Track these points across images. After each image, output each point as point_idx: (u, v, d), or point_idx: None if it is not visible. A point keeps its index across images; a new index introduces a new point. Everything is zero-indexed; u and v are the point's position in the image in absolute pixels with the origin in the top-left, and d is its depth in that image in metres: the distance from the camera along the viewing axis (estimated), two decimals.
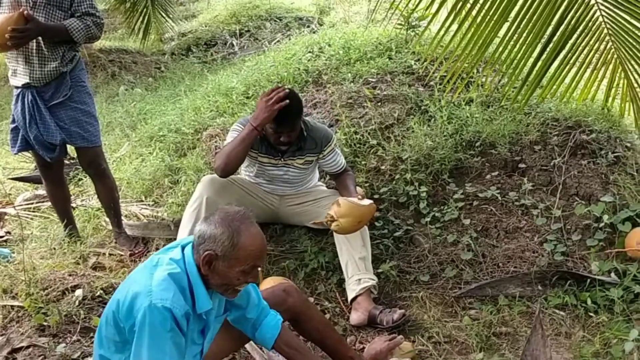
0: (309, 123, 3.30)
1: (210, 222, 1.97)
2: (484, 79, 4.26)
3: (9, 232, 3.63)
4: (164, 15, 8.06)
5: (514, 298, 3.00)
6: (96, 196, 3.71)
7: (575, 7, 3.06)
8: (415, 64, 4.57)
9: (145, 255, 3.44)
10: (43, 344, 2.60)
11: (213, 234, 1.94)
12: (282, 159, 3.24)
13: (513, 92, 3.77)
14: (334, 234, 3.12)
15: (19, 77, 3.24)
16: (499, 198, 3.48)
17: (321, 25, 8.14)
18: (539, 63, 3.23)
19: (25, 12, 3.02)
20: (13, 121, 3.31)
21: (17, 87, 3.27)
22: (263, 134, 3.12)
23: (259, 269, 2.06)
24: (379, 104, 4.25)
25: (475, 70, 4.09)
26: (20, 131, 3.28)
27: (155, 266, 1.96)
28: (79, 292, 2.90)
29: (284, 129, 3.08)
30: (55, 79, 3.24)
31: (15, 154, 3.37)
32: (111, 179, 3.59)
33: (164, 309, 1.84)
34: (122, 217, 3.70)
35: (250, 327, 2.24)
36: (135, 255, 3.42)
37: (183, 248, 2.03)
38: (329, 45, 5.12)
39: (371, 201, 3.04)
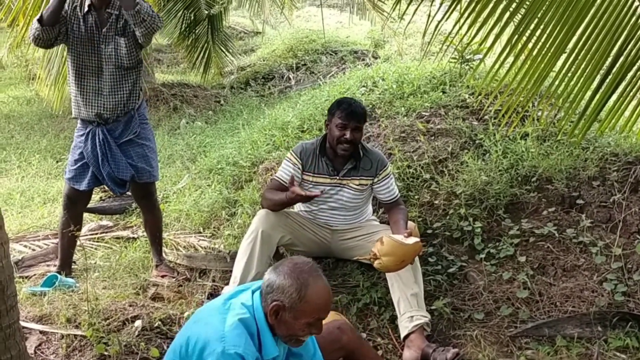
0: (367, 146, 3.44)
1: (280, 272, 2.01)
2: (539, 113, 4.21)
3: (74, 262, 3.79)
4: (224, 50, 8.34)
5: (572, 339, 2.92)
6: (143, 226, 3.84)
7: (635, 38, 3.01)
8: (469, 97, 4.57)
9: (190, 281, 3.56)
10: None
11: (282, 284, 1.98)
12: (338, 177, 3.32)
13: (570, 126, 3.71)
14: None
15: (89, 109, 3.37)
16: (556, 235, 3.41)
17: (376, 58, 8.23)
18: (597, 96, 3.17)
19: None
20: (80, 158, 3.47)
21: (85, 125, 3.44)
22: (319, 151, 3.34)
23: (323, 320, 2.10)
24: (433, 137, 4.25)
25: (530, 104, 4.05)
26: (90, 168, 3.44)
27: (228, 310, 2.02)
28: (138, 323, 3.00)
29: (350, 122, 3.25)
30: (124, 116, 3.41)
31: (84, 190, 3.49)
32: (159, 210, 3.76)
33: (236, 356, 1.89)
34: (181, 248, 3.82)
35: None
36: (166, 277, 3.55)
37: (253, 293, 2.08)
38: (383, 80, 5.18)
39: (417, 239, 3.04)
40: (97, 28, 3.34)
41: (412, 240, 2.99)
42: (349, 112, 3.27)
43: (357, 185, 3.34)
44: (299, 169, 3.35)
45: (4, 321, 2.39)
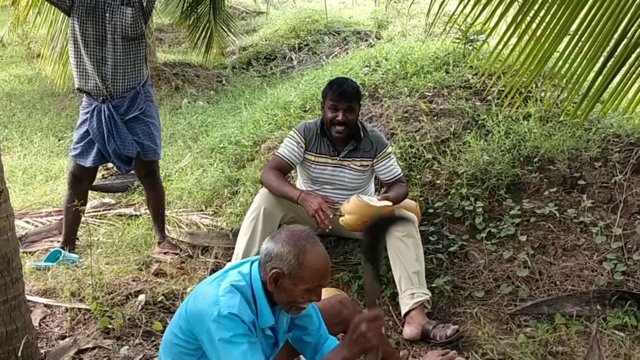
0: (368, 127, 3.43)
1: (277, 240, 2.02)
2: (542, 94, 4.21)
3: (77, 238, 3.81)
4: (226, 29, 8.28)
5: (571, 317, 2.95)
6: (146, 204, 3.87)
7: (639, 20, 3.00)
8: (472, 78, 4.56)
9: (192, 258, 3.60)
10: (108, 345, 2.73)
11: (280, 252, 1.99)
12: (339, 158, 3.33)
13: (572, 107, 3.70)
14: (388, 247, 3.15)
15: (92, 85, 3.39)
16: (557, 215, 3.42)
17: (379, 39, 8.18)
18: (600, 77, 3.16)
19: None
20: (85, 135, 3.47)
21: (90, 101, 3.44)
22: (320, 132, 3.35)
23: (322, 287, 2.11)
24: (435, 118, 4.26)
25: (533, 85, 4.04)
26: (96, 145, 3.44)
27: (223, 279, 2.04)
28: (141, 297, 3.03)
29: (340, 103, 3.23)
30: (129, 92, 3.42)
31: (89, 166, 3.50)
32: (162, 187, 3.78)
33: (232, 315, 1.91)
34: (183, 226, 3.84)
35: (310, 350, 2.28)
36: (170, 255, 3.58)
37: (252, 264, 2.09)
38: (386, 60, 5.17)
39: (388, 203, 3.07)
40: None
41: (382, 203, 3.02)
42: (340, 92, 3.24)
43: (358, 166, 3.35)
44: (302, 147, 3.35)
45: (9, 293, 2.43)
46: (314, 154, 3.37)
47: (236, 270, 2.08)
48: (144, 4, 3.36)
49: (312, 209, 3.09)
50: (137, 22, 3.36)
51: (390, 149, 3.41)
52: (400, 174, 3.40)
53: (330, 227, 3.11)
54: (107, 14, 3.33)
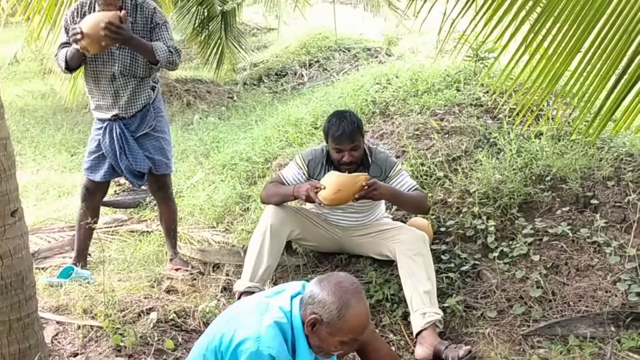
0: (374, 150, 3.41)
1: (324, 287, 2.03)
2: (554, 112, 4.20)
3: (89, 254, 3.83)
4: (237, 46, 8.36)
5: (585, 339, 2.92)
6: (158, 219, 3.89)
7: None
8: (483, 96, 4.56)
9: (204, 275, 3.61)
10: None
11: (324, 299, 2.00)
12: None
13: (585, 125, 3.70)
14: (399, 266, 3.15)
15: (105, 111, 3.46)
16: (570, 234, 3.40)
17: (389, 55, 8.22)
18: (613, 95, 3.15)
19: (122, 12, 3.19)
20: (96, 150, 3.51)
21: (102, 120, 3.49)
22: (326, 161, 3.34)
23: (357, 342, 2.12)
24: (446, 135, 4.26)
25: (545, 103, 4.04)
26: (107, 160, 3.49)
27: (265, 311, 2.04)
28: (153, 315, 3.03)
29: (343, 145, 3.21)
30: (140, 111, 3.47)
31: (99, 181, 3.53)
32: (175, 203, 3.80)
33: (269, 357, 1.93)
34: (195, 242, 3.86)
35: None
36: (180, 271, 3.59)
37: (292, 298, 2.10)
38: (397, 77, 5.18)
39: (364, 174, 3.12)
40: None
41: (356, 174, 3.10)
42: (340, 134, 3.18)
43: None
44: (304, 174, 3.36)
45: (22, 310, 2.44)
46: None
47: (277, 304, 2.08)
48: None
49: (304, 194, 3.15)
50: (147, 64, 3.43)
51: (400, 166, 3.41)
52: (415, 185, 3.37)
53: (323, 204, 3.15)
54: (117, 52, 3.37)
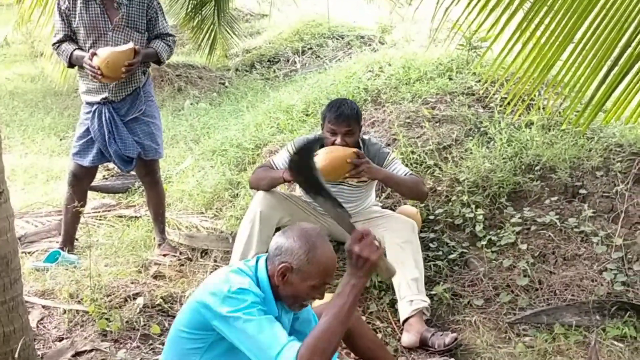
0: (367, 141, 3.38)
1: (289, 235, 2.06)
2: (545, 102, 4.20)
3: (77, 239, 3.80)
4: (230, 31, 8.28)
5: (570, 327, 2.94)
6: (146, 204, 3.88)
7: None
8: (475, 85, 4.56)
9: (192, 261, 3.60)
10: (105, 348, 2.72)
11: (290, 247, 2.03)
12: None
13: (575, 115, 3.70)
14: (387, 254, 3.14)
15: (95, 94, 3.42)
16: (558, 224, 3.41)
17: (382, 44, 8.17)
18: (603, 86, 3.15)
19: (137, 47, 3.29)
20: (85, 134, 3.48)
21: (91, 104, 3.45)
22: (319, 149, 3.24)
23: (327, 286, 2.13)
24: (437, 124, 4.25)
25: (536, 93, 4.04)
26: (96, 144, 3.46)
27: (229, 271, 2.09)
28: (140, 300, 3.02)
29: (338, 127, 3.18)
30: (130, 94, 3.44)
31: (88, 166, 3.51)
32: (163, 188, 3.78)
33: (243, 290, 1.96)
34: (183, 228, 3.84)
35: None
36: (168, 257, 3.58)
37: (258, 259, 2.14)
38: (389, 65, 5.16)
39: (354, 149, 3.13)
40: (103, 16, 3.35)
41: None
42: (337, 115, 3.18)
43: (356, 182, 3.33)
44: None
45: (7, 294, 2.42)
46: None
47: (242, 262, 2.13)
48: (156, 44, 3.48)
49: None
50: (143, 46, 3.42)
51: (393, 155, 3.39)
52: (410, 171, 3.35)
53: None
54: (111, 33, 3.36)
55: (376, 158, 3.30)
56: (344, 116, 3.19)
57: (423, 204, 3.71)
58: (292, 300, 2.09)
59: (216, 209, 4.24)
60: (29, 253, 3.71)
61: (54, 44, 3.46)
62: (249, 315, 1.93)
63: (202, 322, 2.02)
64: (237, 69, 8.63)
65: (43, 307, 3.01)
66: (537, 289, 3.17)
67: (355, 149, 3.15)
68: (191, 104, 7.24)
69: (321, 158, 3.07)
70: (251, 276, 2.06)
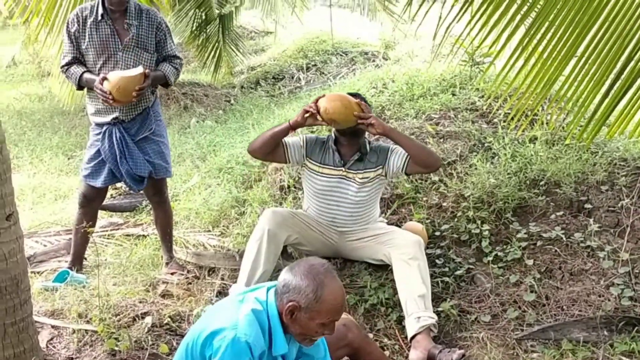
0: (372, 142, 3.51)
1: (296, 272, 2.05)
2: (548, 117, 4.22)
3: (85, 258, 3.83)
4: (235, 49, 8.39)
5: (578, 343, 2.93)
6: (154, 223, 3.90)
7: None
8: (479, 100, 4.59)
9: (199, 279, 3.61)
10: None
11: (298, 285, 2.02)
12: (344, 169, 3.38)
13: (579, 130, 3.71)
14: (394, 270, 3.16)
15: (104, 114, 3.46)
16: (564, 239, 3.42)
17: (386, 59, 8.25)
18: (607, 100, 3.17)
19: (146, 71, 3.34)
20: (96, 156, 3.51)
21: (101, 125, 3.49)
22: (326, 141, 3.44)
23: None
24: (442, 140, 4.27)
25: (540, 108, 4.05)
26: (107, 165, 3.49)
27: (242, 302, 2.07)
28: (148, 320, 3.04)
29: None
30: (140, 114, 3.49)
31: (100, 187, 3.54)
32: (170, 207, 3.81)
33: (246, 345, 1.95)
34: (190, 246, 3.86)
35: None
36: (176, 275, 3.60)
37: (268, 290, 2.12)
38: (393, 81, 5.21)
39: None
40: (113, 37, 3.40)
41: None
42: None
43: (361, 178, 3.37)
44: (302, 146, 3.44)
45: (17, 315, 2.45)
46: (319, 164, 3.42)
47: (253, 296, 2.10)
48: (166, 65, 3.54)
49: (301, 111, 3.28)
50: (151, 66, 3.47)
51: (393, 146, 3.42)
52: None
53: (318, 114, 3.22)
54: (121, 53, 3.40)
55: (378, 154, 3.40)
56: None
57: (429, 220, 3.73)
58: (302, 337, 2.10)
59: (223, 226, 4.26)
60: (38, 273, 3.75)
61: (63, 66, 3.50)
62: None
63: (202, 351, 2.03)
64: (242, 87, 8.71)
65: (52, 327, 3.03)
66: (544, 305, 3.17)
67: (358, 100, 3.28)
68: (197, 121, 7.29)
69: (329, 98, 3.21)
70: (262, 315, 2.04)
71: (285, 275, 2.07)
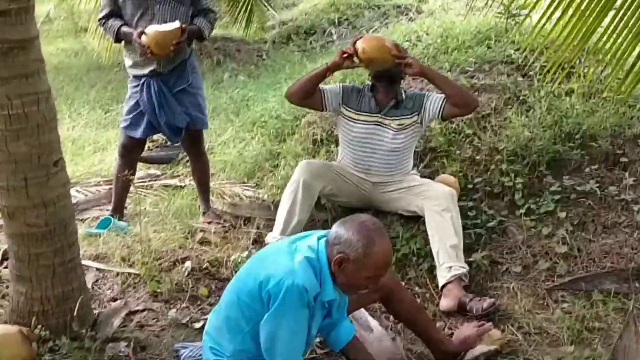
0: (407, 89, 3.59)
1: (348, 227, 2.13)
2: (585, 70, 4.15)
3: (125, 207, 3.96)
4: (266, 4, 8.32)
5: (608, 294, 2.96)
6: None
7: None
8: (514, 53, 4.52)
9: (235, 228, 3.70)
10: (156, 308, 2.88)
11: (349, 238, 2.09)
12: (380, 115, 3.41)
13: (616, 83, 3.65)
14: (426, 221, 3.20)
15: (142, 67, 3.52)
16: (598, 192, 3.41)
17: (419, 13, 8.09)
18: None
19: (183, 25, 3.38)
20: (135, 107, 3.59)
21: (139, 77, 3.55)
22: (363, 89, 3.49)
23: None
24: (476, 93, 4.24)
25: (577, 60, 3.99)
26: (146, 116, 3.57)
27: (295, 250, 2.16)
28: (187, 264, 3.16)
29: None
30: (177, 66, 3.54)
31: (139, 137, 3.64)
32: (207, 159, 3.90)
33: (302, 288, 2.05)
34: (226, 197, 3.96)
35: (326, 325, 2.37)
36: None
37: (319, 239, 2.20)
38: (427, 34, 5.14)
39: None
40: None
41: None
42: None
43: (397, 125, 3.41)
44: (338, 94, 3.48)
45: (66, 255, 2.58)
46: (355, 111, 3.45)
47: (305, 244, 2.18)
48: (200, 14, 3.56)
49: (339, 53, 3.30)
50: (187, 19, 3.49)
51: (429, 93, 3.48)
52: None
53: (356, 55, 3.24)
54: (157, 6, 3.43)
55: (414, 100, 3.43)
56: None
57: (462, 173, 3.73)
58: (347, 287, 2.19)
59: (258, 178, 4.34)
60: (81, 220, 3.89)
61: (100, 19, 3.56)
62: (289, 322, 2.05)
63: (259, 297, 2.12)
64: (274, 41, 8.65)
65: (97, 269, 3.17)
66: (575, 257, 3.19)
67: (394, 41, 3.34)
68: (230, 76, 7.32)
69: (368, 38, 3.28)
70: (316, 262, 2.12)
71: (337, 228, 2.15)
